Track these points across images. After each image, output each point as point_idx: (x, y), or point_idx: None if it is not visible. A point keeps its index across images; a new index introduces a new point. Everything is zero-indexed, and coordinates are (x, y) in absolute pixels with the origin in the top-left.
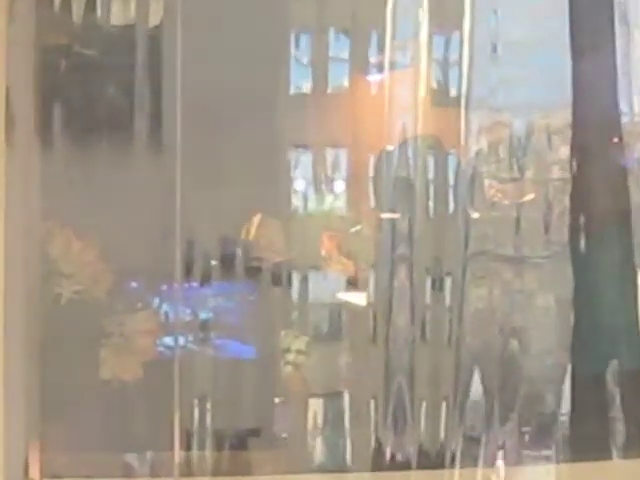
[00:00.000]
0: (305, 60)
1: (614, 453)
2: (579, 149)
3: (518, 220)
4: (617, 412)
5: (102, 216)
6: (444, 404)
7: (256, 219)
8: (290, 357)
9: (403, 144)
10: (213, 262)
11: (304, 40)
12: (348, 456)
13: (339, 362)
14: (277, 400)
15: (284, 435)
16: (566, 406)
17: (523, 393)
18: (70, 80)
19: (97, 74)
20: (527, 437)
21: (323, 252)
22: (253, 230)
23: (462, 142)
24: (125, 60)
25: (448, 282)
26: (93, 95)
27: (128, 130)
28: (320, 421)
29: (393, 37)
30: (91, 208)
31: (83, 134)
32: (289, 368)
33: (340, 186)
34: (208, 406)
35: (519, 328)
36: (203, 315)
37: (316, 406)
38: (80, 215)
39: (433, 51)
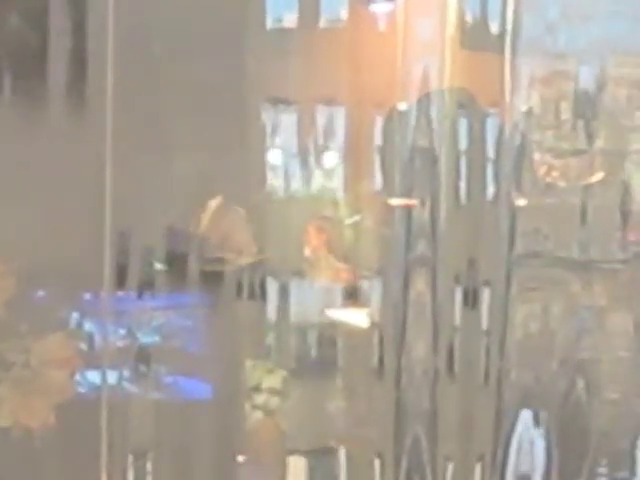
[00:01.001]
0: None
1: None
2: None
3: (584, 209)
4: None
5: (1, 198)
6: (479, 466)
7: (213, 204)
8: (260, 399)
9: (423, 101)
10: (157, 264)
11: None
12: None
13: (330, 406)
14: (242, 458)
15: None
16: None
17: (592, 453)
18: None
19: None
20: None
21: (309, 252)
22: (206, 220)
23: (506, 98)
24: None
25: (486, 295)
26: None
27: (39, 77)
28: None
29: None
30: None
31: None
32: (258, 414)
33: (334, 159)
34: (148, 466)
35: (586, 361)
36: (141, 339)
37: (298, 467)
38: None
39: None
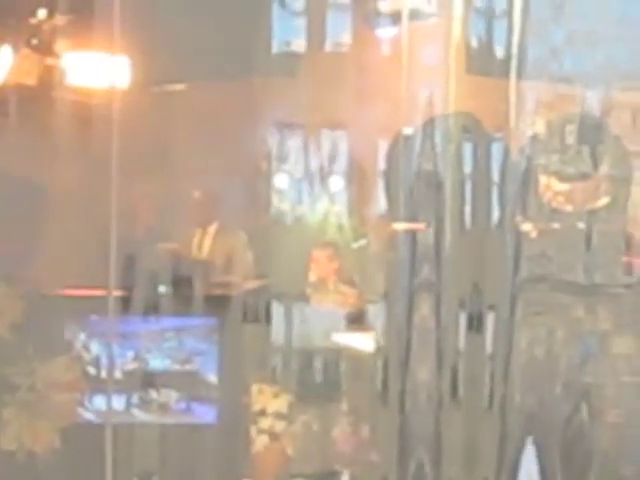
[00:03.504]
0: (296, 7)
1: None
2: None
3: (589, 234)
4: None
5: (7, 218)
6: None
7: (212, 229)
8: (265, 423)
9: (427, 125)
10: (162, 287)
11: None
12: None
13: (334, 430)
14: None
15: None
16: None
17: (595, 478)
18: None
19: None
20: None
21: (314, 276)
22: (208, 244)
23: (511, 123)
24: None
25: (490, 320)
26: None
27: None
28: None
29: None
30: None
31: None
32: (264, 438)
33: (339, 183)
34: None
35: (591, 386)
36: (146, 362)
37: None
38: None
39: None
